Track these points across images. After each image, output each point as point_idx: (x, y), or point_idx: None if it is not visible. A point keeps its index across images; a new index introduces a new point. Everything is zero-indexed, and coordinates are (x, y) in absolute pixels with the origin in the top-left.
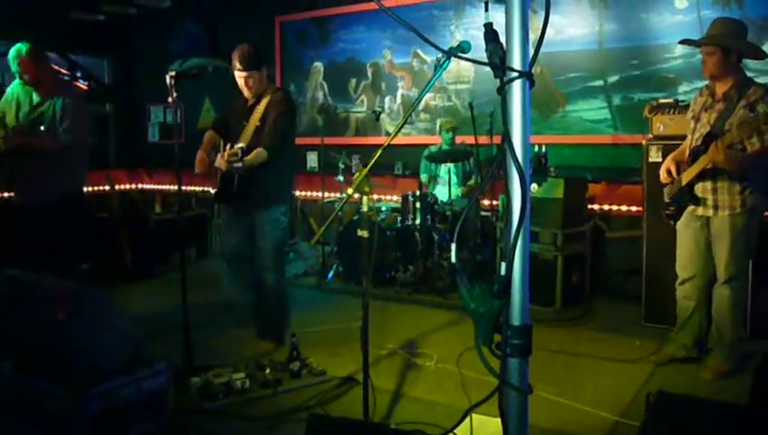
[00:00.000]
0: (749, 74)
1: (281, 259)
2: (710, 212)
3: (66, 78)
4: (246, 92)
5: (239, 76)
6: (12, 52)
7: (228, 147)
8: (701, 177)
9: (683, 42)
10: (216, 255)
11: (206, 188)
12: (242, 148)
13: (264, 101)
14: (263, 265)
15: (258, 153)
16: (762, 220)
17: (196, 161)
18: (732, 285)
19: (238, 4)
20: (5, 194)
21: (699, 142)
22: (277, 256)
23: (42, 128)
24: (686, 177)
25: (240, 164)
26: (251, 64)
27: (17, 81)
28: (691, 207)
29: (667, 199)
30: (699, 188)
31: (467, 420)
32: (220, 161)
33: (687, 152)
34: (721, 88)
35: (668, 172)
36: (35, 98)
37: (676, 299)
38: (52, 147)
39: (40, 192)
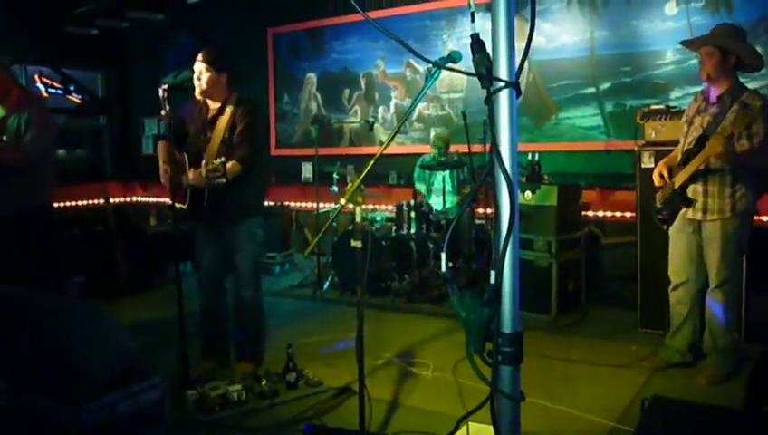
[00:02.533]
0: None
1: (258, 275)
2: (699, 215)
3: (58, 91)
4: (198, 89)
5: (196, 69)
6: None
7: (204, 161)
8: (693, 179)
9: (683, 43)
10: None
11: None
12: (223, 162)
13: (229, 111)
14: (240, 283)
15: (233, 166)
16: (753, 224)
17: (161, 174)
18: (724, 289)
19: (231, 17)
20: None
21: (692, 145)
22: (255, 271)
23: (4, 139)
24: (679, 179)
25: (223, 179)
26: (212, 60)
27: None
28: (683, 211)
29: (658, 204)
30: (691, 191)
31: (464, 428)
32: (196, 177)
33: (680, 156)
34: (715, 92)
35: (661, 176)
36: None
37: (670, 304)
38: (16, 159)
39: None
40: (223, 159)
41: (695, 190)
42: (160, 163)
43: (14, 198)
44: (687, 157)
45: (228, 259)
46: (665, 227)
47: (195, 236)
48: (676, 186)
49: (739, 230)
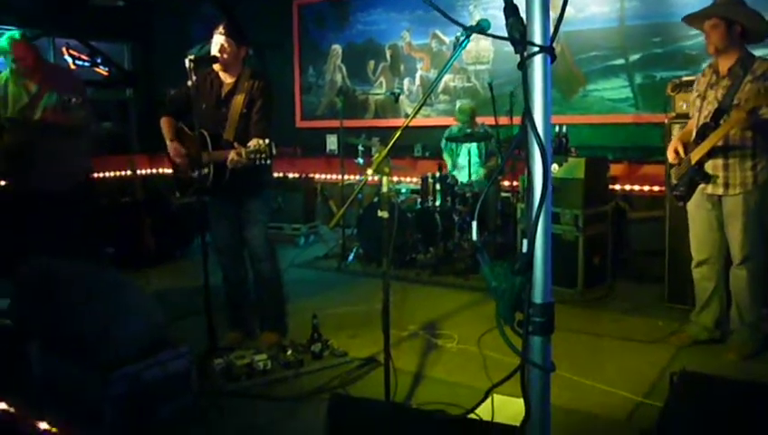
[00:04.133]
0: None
1: (272, 245)
2: (720, 190)
3: (85, 63)
4: (220, 61)
5: (217, 41)
6: (4, 39)
7: (254, 141)
8: (711, 154)
9: (685, 19)
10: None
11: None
12: (268, 144)
13: (245, 87)
14: (257, 256)
15: (262, 142)
16: None
17: (171, 152)
18: (748, 265)
19: None
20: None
21: (709, 119)
22: (268, 242)
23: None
24: (697, 154)
25: (269, 160)
26: (233, 33)
27: (3, 73)
28: (701, 187)
29: (674, 181)
30: (710, 166)
31: (489, 400)
32: (235, 157)
33: (695, 131)
34: (725, 64)
35: (676, 152)
36: (32, 87)
37: (694, 281)
38: (82, 123)
39: (59, 177)
40: (267, 140)
41: (714, 165)
42: (168, 142)
43: (65, 165)
44: (704, 131)
45: (242, 232)
46: (681, 203)
47: (207, 209)
48: (693, 162)
49: (761, 203)
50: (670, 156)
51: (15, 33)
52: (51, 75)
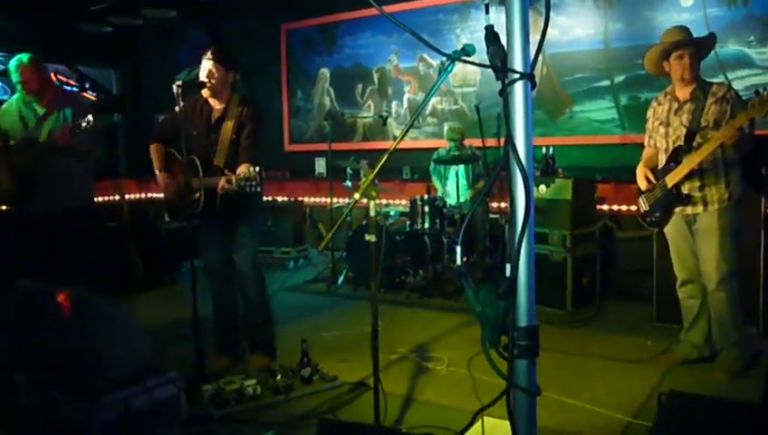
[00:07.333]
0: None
1: (260, 269)
2: (699, 209)
3: (73, 89)
4: (208, 86)
5: (206, 67)
6: (13, 62)
7: (244, 168)
8: (688, 175)
9: (648, 61)
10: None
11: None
12: (258, 171)
13: (235, 113)
14: (246, 280)
15: (252, 170)
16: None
17: (161, 183)
18: (725, 286)
19: (244, 13)
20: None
21: (682, 142)
22: (257, 266)
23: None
24: (675, 178)
25: (259, 188)
26: (221, 59)
27: (17, 95)
28: (679, 209)
29: (647, 207)
30: (686, 187)
31: (479, 422)
32: (226, 186)
33: (665, 156)
34: (684, 92)
35: (647, 179)
36: (39, 110)
37: (680, 301)
38: (88, 147)
39: (62, 200)
40: (257, 167)
41: (691, 186)
42: (157, 172)
43: (69, 188)
44: (677, 155)
45: (231, 256)
46: (657, 229)
47: (198, 233)
48: (670, 185)
49: (736, 219)
50: (641, 184)
51: (24, 57)
52: (58, 98)
